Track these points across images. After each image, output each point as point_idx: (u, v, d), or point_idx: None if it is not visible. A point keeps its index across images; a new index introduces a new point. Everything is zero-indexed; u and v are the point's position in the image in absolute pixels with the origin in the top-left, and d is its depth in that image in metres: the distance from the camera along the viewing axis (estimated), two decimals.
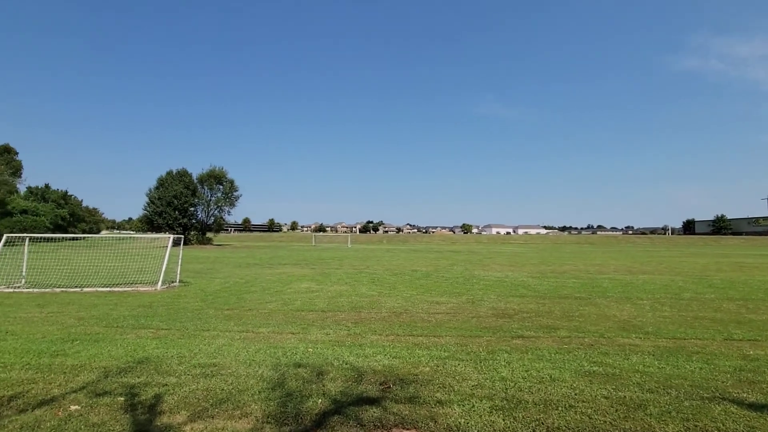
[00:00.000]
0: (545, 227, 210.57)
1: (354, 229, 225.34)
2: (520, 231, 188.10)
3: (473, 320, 7.00)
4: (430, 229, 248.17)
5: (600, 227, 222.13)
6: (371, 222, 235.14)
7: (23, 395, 3.80)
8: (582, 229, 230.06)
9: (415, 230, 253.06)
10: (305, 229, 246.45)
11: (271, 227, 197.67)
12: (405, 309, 8.02)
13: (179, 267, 11.89)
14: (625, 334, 6.13)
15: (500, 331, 6.32)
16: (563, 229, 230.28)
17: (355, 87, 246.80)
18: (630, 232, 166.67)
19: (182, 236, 12.15)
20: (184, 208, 45.58)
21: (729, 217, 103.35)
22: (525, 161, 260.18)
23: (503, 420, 3.56)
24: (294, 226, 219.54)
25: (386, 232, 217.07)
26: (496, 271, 17.16)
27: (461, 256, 29.50)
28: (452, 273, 15.79)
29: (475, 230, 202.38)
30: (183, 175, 47.30)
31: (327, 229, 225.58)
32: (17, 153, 53.02)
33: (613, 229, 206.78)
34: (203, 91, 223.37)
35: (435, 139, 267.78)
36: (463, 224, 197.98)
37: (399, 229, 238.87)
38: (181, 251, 12.56)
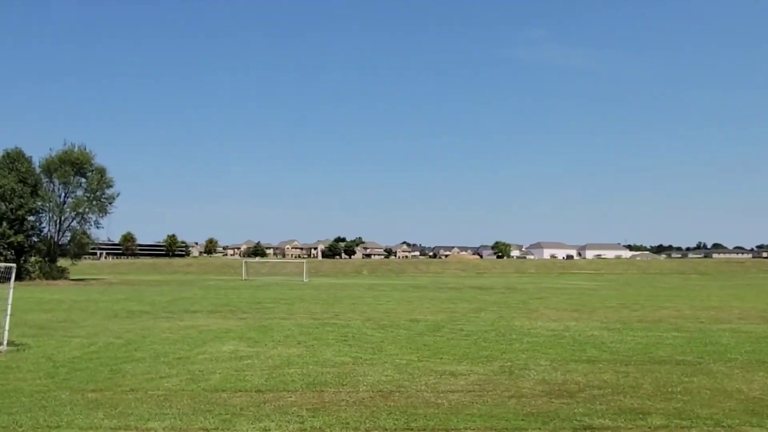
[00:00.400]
0: (629, 247, 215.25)
1: (314, 251, 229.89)
2: (589, 253, 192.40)
3: (511, 402, 7.11)
4: (441, 252, 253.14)
5: (717, 247, 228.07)
6: (343, 240, 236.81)
7: None
8: (689, 249, 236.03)
9: (416, 253, 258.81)
10: (231, 252, 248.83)
11: (172, 249, 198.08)
12: (398, 385, 8.15)
13: (8, 318, 11.50)
14: (756, 419, 6.35)
15: (556, 418, 6.40)
16: (658, 250, 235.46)
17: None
18: (765, 254, 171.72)
19: (13, 265, 11.57)
20: (19, 216, 43.82)
21: None
22: (594, 141, 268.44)
23: None
24: (211, 248, 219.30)
25: (368, 256, 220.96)
26: (549, 319, 17.58)
27: (493, 296, 30.04)
28: (477, 324, 16.14)
29: (515, 253, 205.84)
30: (16, 160, 45.04)
31: (268, 251, 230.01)
32: None
33: (738, 249, 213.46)
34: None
35: (446, 108, 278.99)
36: (496, 243, 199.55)
37: (390, 252, 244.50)
38: (11, 291, 12.04)
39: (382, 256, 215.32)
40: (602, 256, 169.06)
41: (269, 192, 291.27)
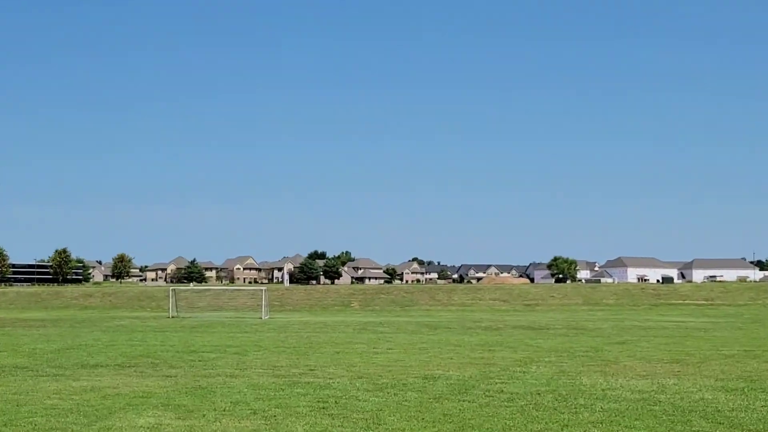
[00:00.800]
0: (759, 265, 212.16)
1: (278, 274, 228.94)
2: (698, 274, 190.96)
3: None
4: (471, 274, 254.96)
5: None
6: (322, 257, 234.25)
7: None
8: None
9: (433, 276, 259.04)
10: (152, 275, 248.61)
11: (62, 272, 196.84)
12: None
13: None
14: None
15: None
16: None
17: None
18: None
19: None
20: None
21: None
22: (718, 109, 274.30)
23: None
24: (122, 270, 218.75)
25: (360, 280, 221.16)
26: (635, 375, 17.64)
27: (549, 340, 30.58)
28: (526, 383, 16.19)
29: (584, 275, 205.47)
30: None
31: (209, 274, 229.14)
32: None
33: None
34: None
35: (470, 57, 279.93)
36: (555, 260, 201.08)
37: (392, 274, 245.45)
38: None
39: (382, 281, 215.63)
40: (718, 278, 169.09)
41: (208, 187, 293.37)
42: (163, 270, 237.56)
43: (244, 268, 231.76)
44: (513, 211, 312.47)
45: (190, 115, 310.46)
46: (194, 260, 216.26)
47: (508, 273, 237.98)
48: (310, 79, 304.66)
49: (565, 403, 13.28)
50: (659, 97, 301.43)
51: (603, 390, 14.87)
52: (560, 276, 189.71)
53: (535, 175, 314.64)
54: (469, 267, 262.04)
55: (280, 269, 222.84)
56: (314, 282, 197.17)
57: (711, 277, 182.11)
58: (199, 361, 21.68)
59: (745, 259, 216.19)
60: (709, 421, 11.47)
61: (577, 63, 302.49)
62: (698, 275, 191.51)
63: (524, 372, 18.32)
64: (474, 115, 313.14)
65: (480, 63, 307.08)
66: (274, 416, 11.93)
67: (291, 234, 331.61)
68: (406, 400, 13.58)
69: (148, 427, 11.05)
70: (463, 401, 13.49)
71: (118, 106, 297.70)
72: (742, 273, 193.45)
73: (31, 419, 11.79)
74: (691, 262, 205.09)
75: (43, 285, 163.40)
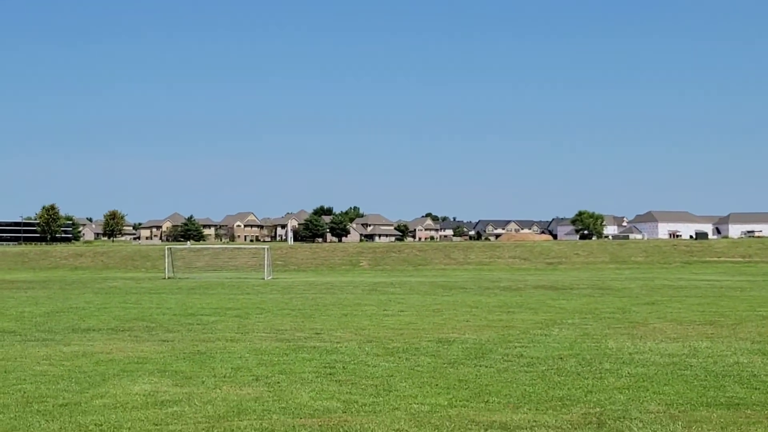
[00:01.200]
0: None
1: (281, 231, 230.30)
2: (734, 229, 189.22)
3: None
4: (489, 230, 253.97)
5: None
6: (328, 212, 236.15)
7: None
8: None
9: (448, 233, 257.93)
10: (147, 233, 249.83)
11: (50, 230, 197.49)
12: None
13: None
14: None
15: None
16: None
17: None
18: None
19: None
20: None
21: None
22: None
23: None
24: (114, 227, 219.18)
25: (369, 237, 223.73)
26: (665, 338, 17.72)
27: (573, 301, 30.88)
28: (547, 347, 16.28)
29: (611, 230, 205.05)
30: None
31: (207, 232, 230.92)
32: None
33: None
34: None
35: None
36: (580, 215, 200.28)
37: (404, 231, 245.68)
38: None
39: (393, 238, 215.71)
40: (756, 234, 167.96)
41: (206, 138, 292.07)
42: (158, 228, 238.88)
43: (245, 226, 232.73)
44: (534, 163, 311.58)
45: (184, 54, 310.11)
46: (191, 217, 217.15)
47: (529, 229, 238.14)
48: (313, 22, 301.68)
49: (589, 367, 13.31)
50: (692, 43, 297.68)
51: (630, 354, 14.89)
52: (585, 232, 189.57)
53: (559, 124, 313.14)
54: (487, 223, 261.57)
55: (283, 226, 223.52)
56: (320, 240, 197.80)
57: (748, 232, 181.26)
58: (198, 324, 21.76)
59: None
60: (744, 386, 11.46)
61: (599, 5, 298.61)
62: (735, 230, 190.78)
63: (545, 335, 18.34)
64: (491, 59, 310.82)
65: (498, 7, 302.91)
66: (278, 383, 11.98)
67: (295, 188, 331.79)
68: (418, 366, 13.63)
69: (143, 394, 11.14)
70: (480, 366, 13.54)
71: (103, 40, 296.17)
72: None
73: (19, 386, 11.89)
74: (727, 216, 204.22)
75: (31, 244, 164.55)
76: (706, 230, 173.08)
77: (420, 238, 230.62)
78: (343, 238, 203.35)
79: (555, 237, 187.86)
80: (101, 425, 9.25)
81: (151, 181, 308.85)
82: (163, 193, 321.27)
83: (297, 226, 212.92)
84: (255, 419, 9.48)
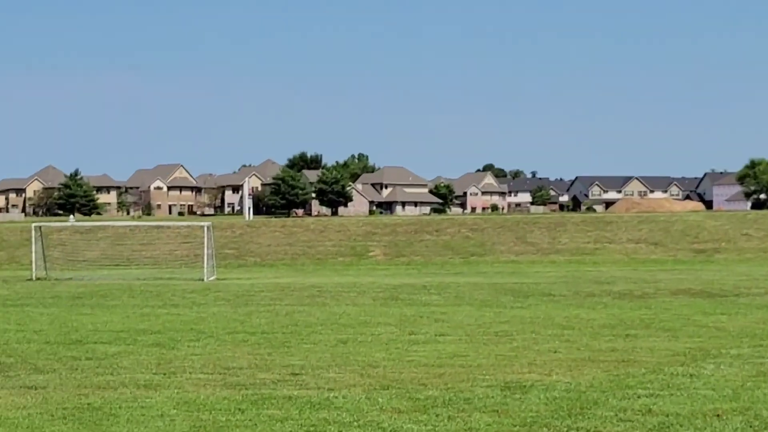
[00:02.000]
0: None
1: (234, 195, 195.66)
2: None
3: None
4: (594, 193, 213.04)
5: None
6: (314, 162, 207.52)
7: None
8: None
9: (524, 197, 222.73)
10: (3, 201, 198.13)
11: None
12: None
13: None
14: None
15: None
16: None
17: None
18: None
19: None
20: None
21: None
22: None
23: None
24: None
25: (383, 206, 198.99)
26: None
27: (740, 314, 28.46)
28: (696, 394, 13.05)
29: None
30: None
31: (105, 198, 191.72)
32: None
33: None
34: None
35: None
36: (751, 166, 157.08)
37: (445, 197, 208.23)
38: None
39: (427, 208, 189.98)
40: None
41: (106, 45, 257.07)
42: (19, 192, 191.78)
43: (169, 188, 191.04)
44: (669, 90, 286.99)
45: None
46: (76, 172, 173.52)
47: (664, 192, 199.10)
48: None
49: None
50: None
51: None
52: (762, 197, 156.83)
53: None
54: (592, 181, 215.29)
55: (236, 189, 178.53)
56: (300, 211, 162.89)
57: None
58: (88, 359, 18.07)
59: None
60: None
61: None
62: None
63: (692, 375, 14.84)
64: None
65: None
66: None
67: (257, 125, 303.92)
68: (470, 430, 10.44)
69: None
70: (579, 430, 10.50)
71: None
72: None
73: None
74: None
75: None
76: None
77: (473, 208, 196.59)
78: (341, 209, 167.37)
79: (709, 205, 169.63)
80: None
81: (18, 113, 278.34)
82: (29, 135, 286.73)
83: (260, 189, 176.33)
84: None
